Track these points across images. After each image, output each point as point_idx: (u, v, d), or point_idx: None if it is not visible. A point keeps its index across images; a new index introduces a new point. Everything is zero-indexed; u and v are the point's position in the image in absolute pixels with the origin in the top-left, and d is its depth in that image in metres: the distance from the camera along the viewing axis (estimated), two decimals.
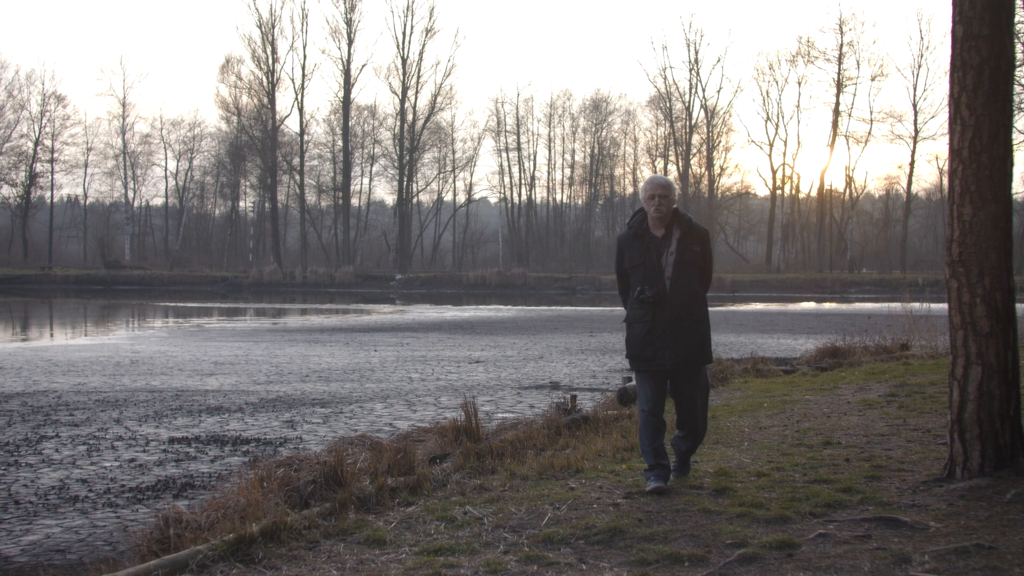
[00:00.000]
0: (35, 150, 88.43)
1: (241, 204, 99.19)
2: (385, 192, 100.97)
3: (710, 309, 8.17)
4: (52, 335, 32.16)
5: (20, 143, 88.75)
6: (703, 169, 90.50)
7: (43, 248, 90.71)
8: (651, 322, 7.67)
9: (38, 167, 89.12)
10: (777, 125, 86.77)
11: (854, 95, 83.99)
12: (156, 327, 35.24)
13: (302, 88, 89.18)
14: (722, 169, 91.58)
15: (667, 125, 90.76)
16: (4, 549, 7.45)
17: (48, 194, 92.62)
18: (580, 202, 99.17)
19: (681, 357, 7.65)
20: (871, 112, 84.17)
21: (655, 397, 7.80)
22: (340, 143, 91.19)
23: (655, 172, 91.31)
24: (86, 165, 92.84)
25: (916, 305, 21.07)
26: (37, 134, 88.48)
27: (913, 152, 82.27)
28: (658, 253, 7.74)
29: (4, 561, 7.19)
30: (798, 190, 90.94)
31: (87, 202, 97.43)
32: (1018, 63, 7.38)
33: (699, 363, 7.80)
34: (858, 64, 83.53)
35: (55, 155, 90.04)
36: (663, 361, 7.65)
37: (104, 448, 11.36)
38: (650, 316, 7.67)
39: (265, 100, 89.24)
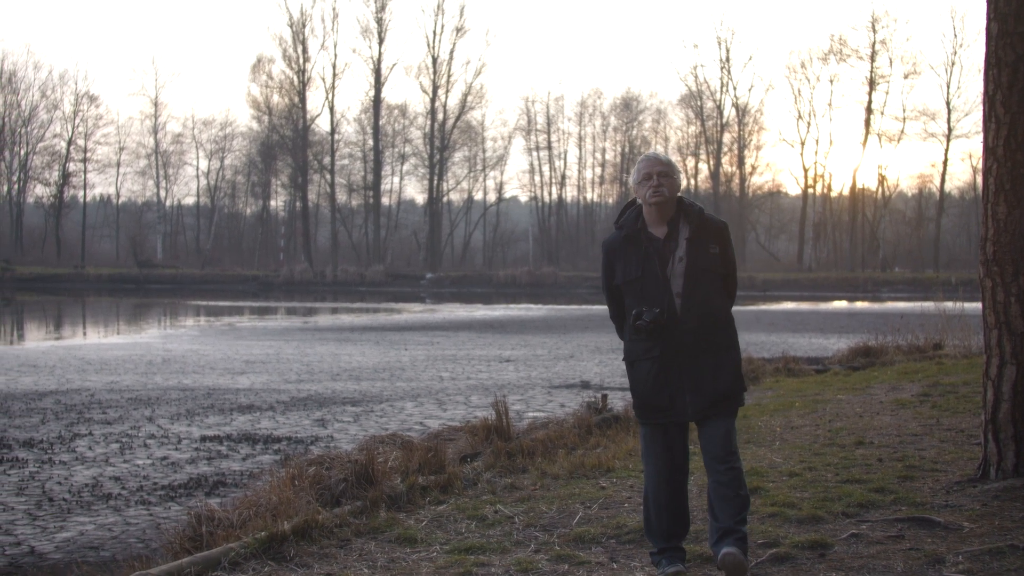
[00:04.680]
0: (68, 150, 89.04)
1: (272, 203, 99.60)
2: (415, 191, 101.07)
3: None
4: (85, 334, 32.38)
5: (53, 143, 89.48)
6: (734, 168, 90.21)
7: (76, 247, 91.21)
8: (659, 359, 5.67)
9: (71, 166, 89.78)
10: (809, 123, 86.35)
11: (887, 93, 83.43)
12: (188, 326, 35.43)
13: (333, 87, 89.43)
14: (753, 168, 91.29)
15: (698, 124, 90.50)
16: (39, 546, 7.51)
17: (81, 193, 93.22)
18: (611, 201, 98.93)
19: (707, 401, 5.63)
20: (904, 110, 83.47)
21: (671, 459, 5.79)
22: (371, 142, 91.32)
23: (687, 171, 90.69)
24: (118, 164, 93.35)
25: (949, 304, 20.92)
26: (70, 134, 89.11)
27: (946, 150, 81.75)
28: (662, 261, 5.70)
29: (39, 558, 7.25)
30: (830, 189, 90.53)
31: (119, 201, 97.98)
32: None
33: (730, 406, 5.72)
34: (891, 62, 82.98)
35: (88, 155, 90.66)
36: (682, 409, 5.65)
37: (137, 446, 11.43)
38: (657, 350, 5.66)
39: (296, 99, 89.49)
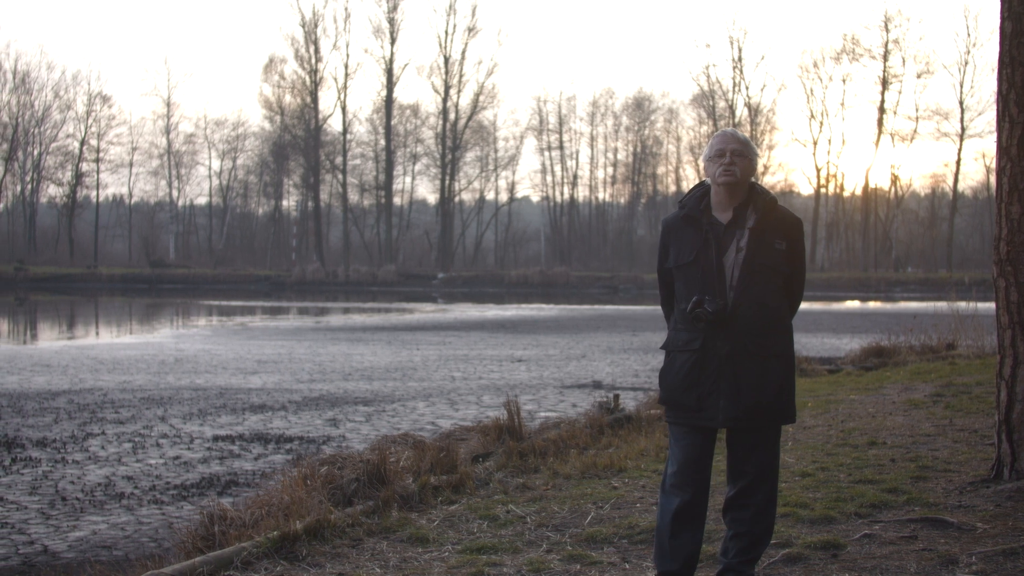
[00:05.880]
0: (81, 150, 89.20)
1: (284, 203, 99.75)
2: (427, 191, 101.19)
3: None
4: (98, 334, 32.45)
5: (66, 143, 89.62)
6: None
7: (89, 247, 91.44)
8: (700, 352, 5.07)
9: (84, 167, 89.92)
10: (821, 123, 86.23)
11: (899, 92, 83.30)
12: (200, 326, 35.49)
13: (345, 87, 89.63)
14: (765, 168, 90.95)
15: (710, 123, 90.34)
16: (52, 545, 7.53)
17: (94, 193, 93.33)
18: (623, 201, 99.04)
19: (742, 409, 5.02)
20: (917, 109, 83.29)
21: (692, 465, 5.17)
22: (383, 142, 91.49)
23: (698, 172, 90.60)
24: (131, 164, 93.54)
25: (962, 304, 20.87)
26: (83, 134, 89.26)
27: (959, 150, 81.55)
28: (719, 247, 5.11)
29: (52, 557, 7.27)
30: (842, 188, 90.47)
31: (132, 201, 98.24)
32: None
33: (771, 421, 5.13)
34: (903, 61, 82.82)
35: (101, 155, 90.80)
36: (712, 413, 5.06)
37: (149, 446, 11.46)
38: (698, 343, 5.07)
39: (308, 99, 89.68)
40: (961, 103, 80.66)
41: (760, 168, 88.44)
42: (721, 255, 5.10)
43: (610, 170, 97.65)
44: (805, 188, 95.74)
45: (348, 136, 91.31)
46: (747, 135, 5.24)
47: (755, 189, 5.24)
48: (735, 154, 5.15)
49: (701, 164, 5.35)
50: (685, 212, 5.23)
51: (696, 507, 5.17)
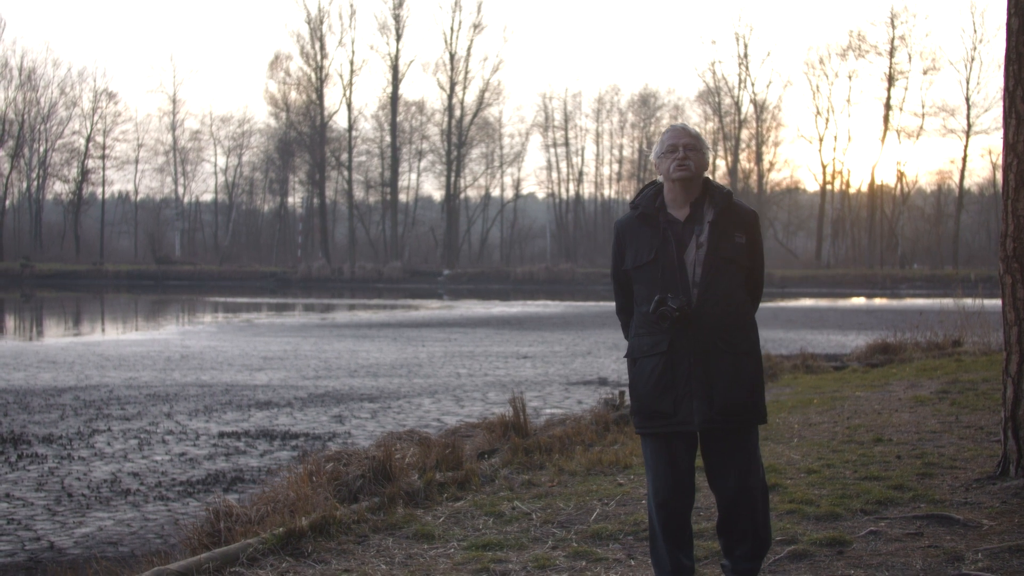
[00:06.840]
0: (87, 147, 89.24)
1: (290, 200, 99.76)
2: (433, 188, 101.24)
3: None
4: (104, 330, 32.49)
5: (72, 140, 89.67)
6: (752, 164, 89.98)
7: (95, 244, 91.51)
8: (668, 354, 4.85)
9: (90, 163, 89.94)
10: (827, 120, 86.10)
11: (906, 89, 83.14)
12: (206, 322, 35.53)
13: (350, 84, 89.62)
14: (771, 164, 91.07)
15: (716, 120, 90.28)
16: (58, 541, 7.54)
17: (99, 190, 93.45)
18: (628, 197, 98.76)
19: (718, 409, 4.82)
20: (923, 106, 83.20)
21: (674, 479, 4.97)
22: (388, 139, 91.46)
23: None
24: (137, 161, 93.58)
25: (969, 301, 20.84)
26: (89, 131, 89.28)
27: (966, 147, 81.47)
28: (680, 244, 4.91)
29: (58, 553, 7.28)
30: (848, 185, 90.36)
31: (138, 198, 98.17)
32: None
33: (745, 421, 4.91)
34: (910, 58, 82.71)
35: (106, 151, 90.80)
36: (686, 416, 4.84)
37: (155, 442, 11.48)
38: (665, 345, 4.85)
39: (313, 96, 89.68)
40: (967, 100, 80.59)
41: (766, 164, 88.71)
42: (682, 252, 4.91)
43: (615, 167, 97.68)
44: (811, 185, 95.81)
45: (353, 133, 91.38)
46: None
47: (709, 183, 5.07)
48: (688, 148, 5.00)
49: (652, 161, 5.16)
50: (640, 211, 5.06)
51: (685, 527, 5.04)
